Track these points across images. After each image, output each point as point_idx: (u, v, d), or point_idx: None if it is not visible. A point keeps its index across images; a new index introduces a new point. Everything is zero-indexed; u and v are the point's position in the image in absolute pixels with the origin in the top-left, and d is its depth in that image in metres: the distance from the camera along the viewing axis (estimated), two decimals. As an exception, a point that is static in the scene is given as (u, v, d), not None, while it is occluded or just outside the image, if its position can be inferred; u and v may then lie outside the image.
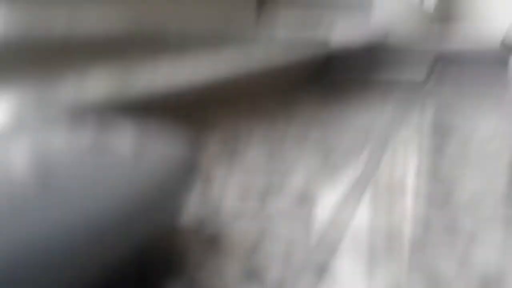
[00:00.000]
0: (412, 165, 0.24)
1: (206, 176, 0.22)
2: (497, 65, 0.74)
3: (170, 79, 0.34)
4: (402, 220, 0.16)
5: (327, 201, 0.18)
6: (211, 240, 0.14)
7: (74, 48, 0.10)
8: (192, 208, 0.18)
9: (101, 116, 0.15)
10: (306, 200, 0.18)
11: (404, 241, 0.15)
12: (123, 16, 0.11)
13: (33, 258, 0.07)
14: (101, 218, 0.09)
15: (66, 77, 0.10)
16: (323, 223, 0.16)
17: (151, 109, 0.42)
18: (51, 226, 0.08)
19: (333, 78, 0.77)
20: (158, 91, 0.45)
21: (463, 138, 0.30)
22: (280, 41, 0.54)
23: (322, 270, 0.13)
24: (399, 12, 1.44)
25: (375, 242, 0.15)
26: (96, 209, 0.09)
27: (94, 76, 0.10)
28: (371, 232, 0.15)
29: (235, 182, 0.21)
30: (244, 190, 0.20)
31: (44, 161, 0.10)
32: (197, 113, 0.47)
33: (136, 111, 0.41)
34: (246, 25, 0.50)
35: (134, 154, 0.12)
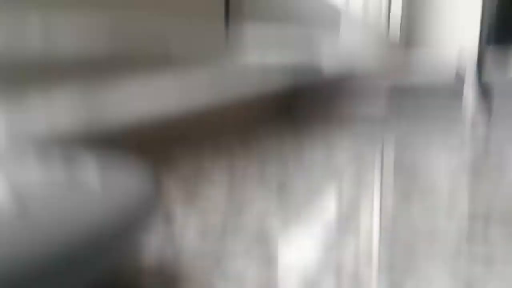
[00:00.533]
0: (370, 200, 0.25)
1: (167, 214, 0.23)
2: (452, 97, 0.77)
3: (135, 111, 0.35)
4: (358, 256, 0.17)
5: (285, 239, 0.19)
6: (171, 278, 0.15)
7: (46, 69, 0.10)
8: (152, 245, 0.18)
9: (69, 149, 0.15)
10: (263, 238, 0.19)
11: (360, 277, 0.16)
12: (97, 36, 0.12)
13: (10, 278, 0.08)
14: (70, 245, 0.10)
15: (35, 101, 0.10)
16: (280, 261, 0.16)
17: (114, 142, 0.42)
18: (28, 250, 0.09)
19: (295, 112, 0.79)
20: (122, 124, 0.46)
21: (420, 174, 0.31)
22: (246, 67, 0.55)
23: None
24: (365, 40, 1.48)
25: (327, 279, 0.16)
26: (66, 236, 0.10)
27: (62, 101, 0.10)
28: (322, 269, 0.16)
29: (194, 221, 0.22)
30: (204, 228, 0.21)
31: (20, 192, 0.11)
32: (159, 148, 0.48)
33: (100, 144, 0.42)
34: (215, 47, 0.51)
35: (99, 187, 0.13)
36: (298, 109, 0.80)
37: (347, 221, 0.22)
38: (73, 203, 0.11)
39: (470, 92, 0.53)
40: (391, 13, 1.96)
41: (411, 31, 2.14)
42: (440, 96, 0.79)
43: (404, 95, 0.83)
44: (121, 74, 0.21)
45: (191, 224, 0.20)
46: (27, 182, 0.12)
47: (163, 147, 0.39)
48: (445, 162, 0.38)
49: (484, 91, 0.53)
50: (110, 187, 0.13)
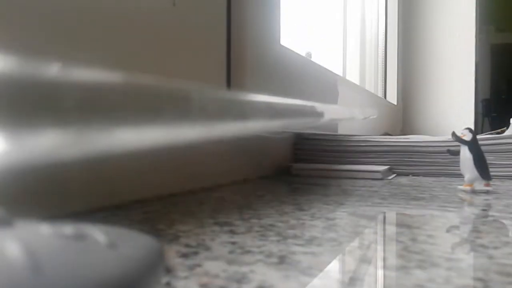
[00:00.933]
0: (373, 258, 0.25)
1: (170, 269, 0.23)
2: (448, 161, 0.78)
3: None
4: None
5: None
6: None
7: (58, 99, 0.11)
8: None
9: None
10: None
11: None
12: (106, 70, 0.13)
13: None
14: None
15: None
16: None
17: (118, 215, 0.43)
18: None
19: (295, 172, 0.80)
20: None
21: (421, 235, 0.31)
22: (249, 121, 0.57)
23: None
24: (363, 103, 1.52)
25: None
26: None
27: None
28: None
29: (198, 273, 0.22)
30: (207, 280, 0.21)
31: (31, 246, 0.12)
32: (162, 206, 0.49)
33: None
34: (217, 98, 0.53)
35: (108, 243, 0.14)
36: (297, 170, 0.81)
37: (353, 276, 0.22)
38: (84, 258, 0.12)
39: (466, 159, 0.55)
40: (387, 76, 2.02)
41: (408, 93, 2.20)
42: (436, 159, 0.80)
43: (401, 156, 0.84)
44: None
45: (194, 277, 0.21)
46: (37, 235, 0.13)
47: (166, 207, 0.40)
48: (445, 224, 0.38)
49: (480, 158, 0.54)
50: (117, 243, 0.14)
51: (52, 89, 0.11)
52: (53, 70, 0.12)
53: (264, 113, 0.20)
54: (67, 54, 0.36)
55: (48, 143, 0.11)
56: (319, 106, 0.26)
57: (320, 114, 0.27)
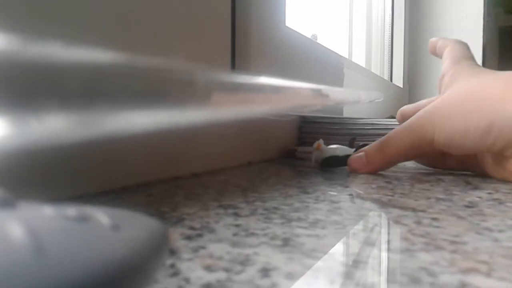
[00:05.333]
0: (377, 240, 0.25)
1: (174, 251, 0.23)
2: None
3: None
4: None
5: (290, 274, 0.19)
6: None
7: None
8: (160, 279, 0.19)
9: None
10: (269, 272, 0.20)
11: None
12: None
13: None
14: (86, 282, 0.10)
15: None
16: None
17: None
18: (46, 286, 0.10)
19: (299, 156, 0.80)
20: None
21: (425, 218, 0.31)
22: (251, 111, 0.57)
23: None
24: (369, 86, 1.51)
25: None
26: (82, 273, 0.11)
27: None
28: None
29: (202, 255, 0.23)
30: (211, 261, 0.21)
31: (33, 228, 0.12)
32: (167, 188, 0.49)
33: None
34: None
35: (111, 225, 0.14)
36: (302, 153, 0.81)
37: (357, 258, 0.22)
38: (87, 240, 0.12)
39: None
40: (393, 59, 2.00)
41: (414, 76, 2.18)
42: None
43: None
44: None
45: (199, 257, 0.21)
46: (40, 217, 0.13)
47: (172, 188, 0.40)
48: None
49: None
50: (121, 225, 0.14)
51: (54, 70, 0.11)
52: (56, 50, 0.12)
53: (269, 96, 0.20)
54: (71, 35, 0.36)
55: (50, 126, 0.11)
56: (324, 88, 0.26)
57: (325, 97, 0.27)
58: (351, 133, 0.88)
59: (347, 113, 1.13)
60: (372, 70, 1.73)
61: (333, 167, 0.62)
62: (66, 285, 0.10)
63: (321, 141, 0.62)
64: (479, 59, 2.11)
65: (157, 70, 0.15)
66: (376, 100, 0.58)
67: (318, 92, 0.25)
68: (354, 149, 0.62)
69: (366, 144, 0.61)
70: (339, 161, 0.61)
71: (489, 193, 0.41)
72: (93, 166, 0.40)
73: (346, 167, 0.60)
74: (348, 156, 0.60)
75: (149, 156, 0.47)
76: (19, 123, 0.10)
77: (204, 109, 0.16)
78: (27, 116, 0.10)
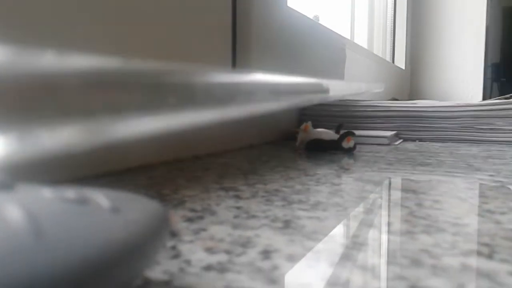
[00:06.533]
0: (378, 223, 0.25)
1: (176, 233, 0.23)
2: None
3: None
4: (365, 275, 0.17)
5: (291, 256, 0.19)
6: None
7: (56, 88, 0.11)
8: (161, 261, 0.19)
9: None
10: (270, 254, 0.20)
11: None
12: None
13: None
14: (85, 263, 0.10)
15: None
16: (286, 277, 0.17)
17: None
18: (45, 270, 0.09)
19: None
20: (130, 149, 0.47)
21: (427, 200, 0.31)
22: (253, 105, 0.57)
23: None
24: (371, 68, 1.50)
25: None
26: (82, 255, 0.10)
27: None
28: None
29: (203, 237, 0.23)
30: (212, 244, 0.21)
31: (32, 210, 0.12)
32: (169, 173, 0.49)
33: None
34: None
35: (111, 207, 0.13)
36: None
37: (358, 240, 0.22)
38: (86, 222, 0.12)
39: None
40: (395, 40, 1.99)
41: (416, 57, 2.16)
42: (444, 124, 0.79)
43: (408, 122, 0.84)
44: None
45: (200, 239, 0.21)
46: (39, 199, 0.13)
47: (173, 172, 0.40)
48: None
49: None
50: (121, 208, 0.14)
51: (51, 77, 0.11)
52: (51, 57, 0.11)
53: (270, 93, 0.20)
54: (67, 39, 0.36)
55: (50, 135, 0.11)
56: (325, 82, 0.26)
57: (326, 91, 0.27)
58: (353, 115, 0.88)
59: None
60: (374, 52, 1.71)
61: (317, 150, 0.62)
62: (64, 267, 0.10)
63: (309, 123, 0.62)
64: (482, 39, 2.10)
65: (156, 69, 0.14)
66: (376, 91, 0.58)
67: (319, 87, 0.25)
68: (338, 136, 0.62)
69: (350, 132, 0.60)
70: (323, 145, 0.61)
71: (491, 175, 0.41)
72: (94, 148, 0.40)
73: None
74: (333, 141, 0.61)
75: (151, 138, 0.47)
76: (17, 135, 0.10)
77: (205, 110, 0.16)
78: (25, 126, 0.10)
